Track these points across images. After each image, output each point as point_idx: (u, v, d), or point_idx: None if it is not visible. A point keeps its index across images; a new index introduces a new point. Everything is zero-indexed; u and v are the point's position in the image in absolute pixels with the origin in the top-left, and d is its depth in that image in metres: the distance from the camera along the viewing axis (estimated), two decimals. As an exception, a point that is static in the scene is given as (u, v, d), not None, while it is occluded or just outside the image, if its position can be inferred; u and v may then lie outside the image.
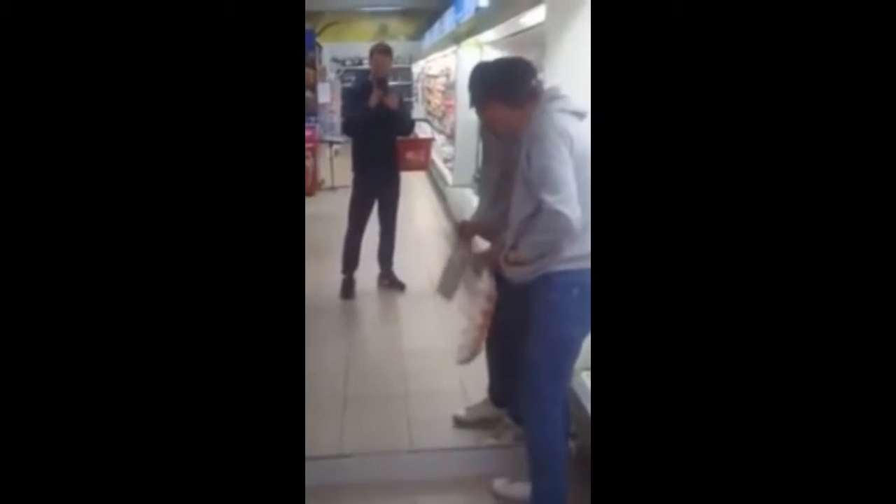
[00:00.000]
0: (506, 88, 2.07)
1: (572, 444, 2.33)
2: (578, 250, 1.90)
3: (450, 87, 7.56)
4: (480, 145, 3.78)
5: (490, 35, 5.33)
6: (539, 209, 1.85)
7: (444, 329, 3.29)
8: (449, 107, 7.61)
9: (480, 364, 2.60)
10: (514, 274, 2.05)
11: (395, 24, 13.41)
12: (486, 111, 2.13)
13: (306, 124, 8.88)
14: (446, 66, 8.10)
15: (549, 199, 1.82)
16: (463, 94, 4.83)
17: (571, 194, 1.82)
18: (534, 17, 3.41)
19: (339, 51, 12.76)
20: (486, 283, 2.26)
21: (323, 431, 2.72)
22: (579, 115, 1.99)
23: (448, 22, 8.82)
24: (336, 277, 4.53)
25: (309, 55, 11.97)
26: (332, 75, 11.38)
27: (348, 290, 4.52)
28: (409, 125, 4.63)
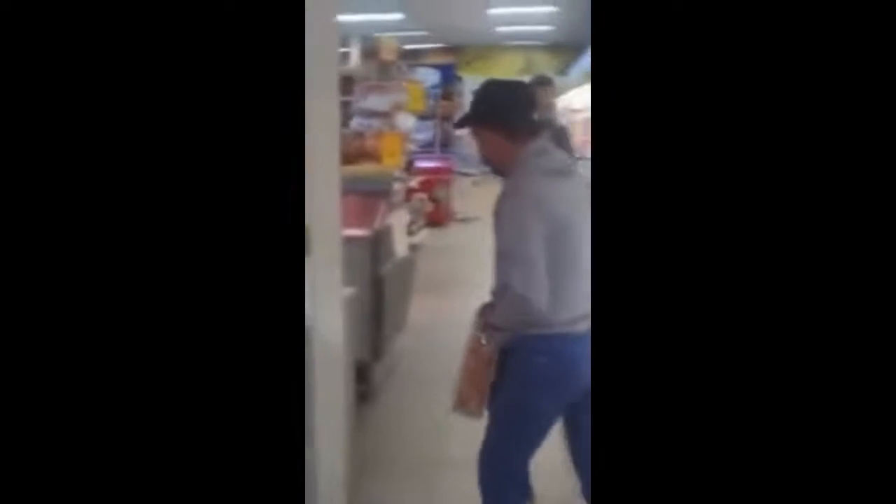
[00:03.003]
0: (507, 114, 1.80)
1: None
2: (550, 319, 1.71)
3: (588, 122, 7.44)
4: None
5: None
6: (507, 283, 1.69)
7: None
8: (586, 142, 7.48)
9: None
10: (492, 337, 1.85)
11: (540, 58, 13.19)
12: (480, 135, 1.86)
13: (443, 156, 9.02)
14: (588, 101, 7.98)
15: (516, 279, 1.66)
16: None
17: (539, 276, 1.65)
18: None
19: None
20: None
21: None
22: (564, 173, 1.77)
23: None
24: (451, 318, 4.35)
25: (447, 87, 12.21)
26: (473, 108, 11.51)
27: None
28: None
